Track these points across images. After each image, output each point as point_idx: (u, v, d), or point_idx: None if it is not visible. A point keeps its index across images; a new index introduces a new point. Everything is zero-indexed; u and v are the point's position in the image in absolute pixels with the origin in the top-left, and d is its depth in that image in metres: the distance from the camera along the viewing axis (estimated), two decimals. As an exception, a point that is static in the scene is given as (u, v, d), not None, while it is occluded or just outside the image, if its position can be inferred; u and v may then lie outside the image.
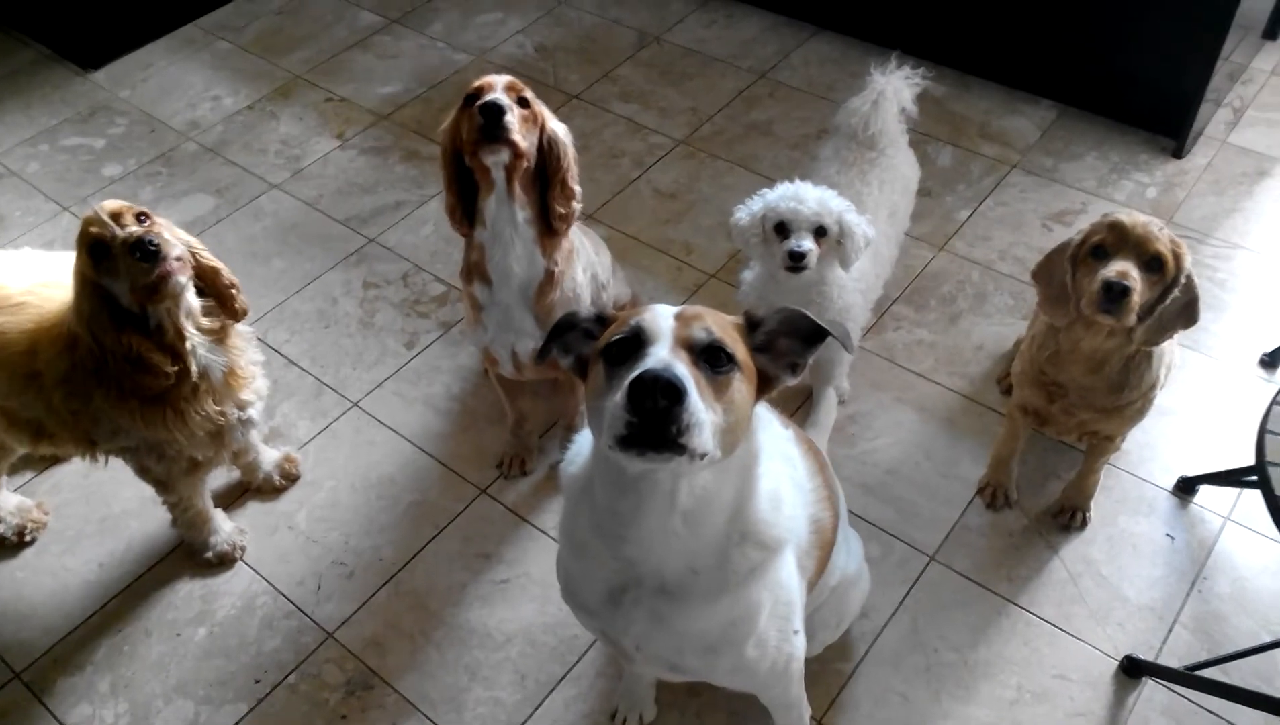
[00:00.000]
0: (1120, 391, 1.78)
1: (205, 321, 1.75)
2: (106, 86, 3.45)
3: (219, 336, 1.79)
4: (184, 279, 1.66)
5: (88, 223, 1.61)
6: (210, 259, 1.76)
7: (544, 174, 1.81)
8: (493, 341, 1.96)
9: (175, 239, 1.67)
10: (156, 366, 1.67)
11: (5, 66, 3.56)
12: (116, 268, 1.61)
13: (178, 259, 1.63)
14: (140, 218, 1.64)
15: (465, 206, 1.83)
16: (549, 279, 1.87)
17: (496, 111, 1.66)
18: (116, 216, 1.61)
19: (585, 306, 1.96)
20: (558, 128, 1.81)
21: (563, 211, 1.82)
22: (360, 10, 3.75)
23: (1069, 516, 2.08)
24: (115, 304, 1.65)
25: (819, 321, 1.16)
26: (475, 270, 1.88)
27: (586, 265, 2.00)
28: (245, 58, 3.55)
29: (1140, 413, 1.84)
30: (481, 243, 1.84)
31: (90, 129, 3.28)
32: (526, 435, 2.25)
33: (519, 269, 1.85)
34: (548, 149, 1.79)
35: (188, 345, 1.71)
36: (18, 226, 2.93)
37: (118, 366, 1.67)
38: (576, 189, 1.84)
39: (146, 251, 1.58)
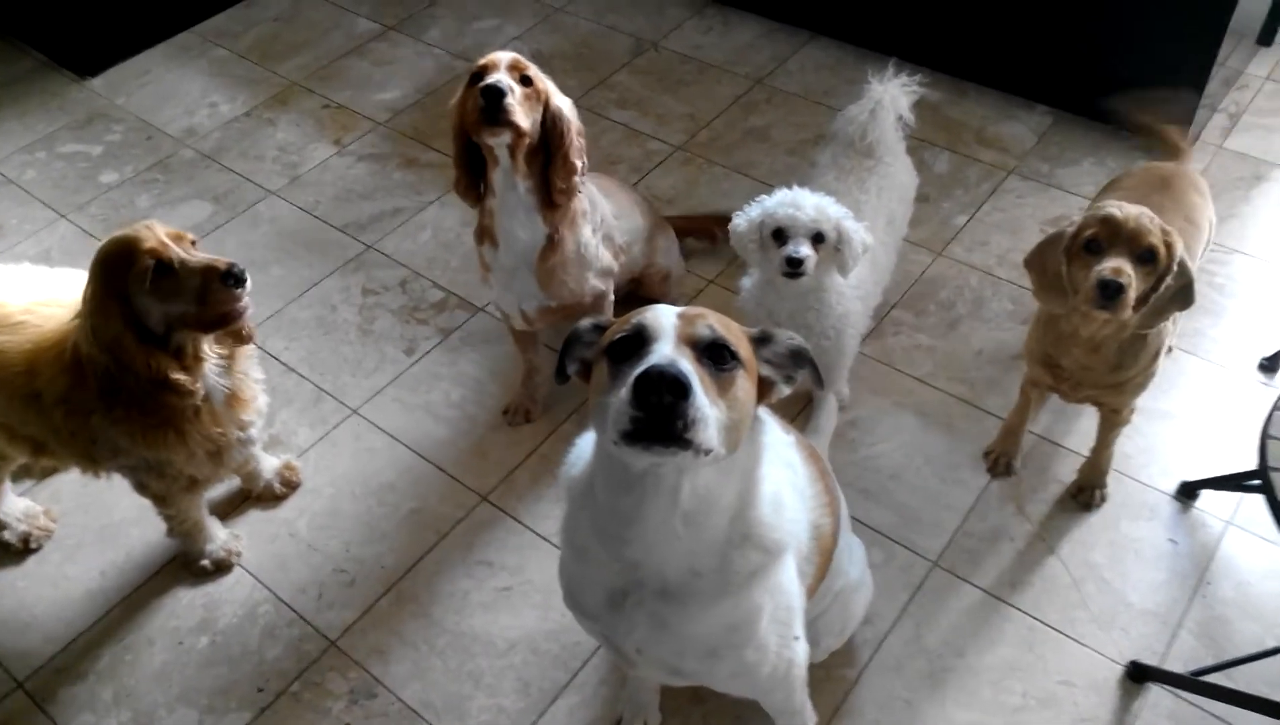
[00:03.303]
0: (1119, 370, 1.83)
1: (219, 346, 1.76)
2: (104, 94, 3.45)
3: (228, 360, 1.79)
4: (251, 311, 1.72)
5: (131, 242, 1.60)
6: None
7: (547, 147, 1.85)
8: (499, 299, 2.12)
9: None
10: (181, 386, 1.67)
11: (2, 74, 3.55)
12: (179, 288, 1.61)
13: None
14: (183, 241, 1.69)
15: (474, 177, 1.92)
16: (551, 245, 1.95)
17: (497, 95, 1.70)
18: (177, 239, 1.64)
19: (596, 263, 2.03)
20: (562, 103, 1.86)
21: (562, 186, 1.88)
22: (357, 17, 3.75)
23: (1088, 494, 2.11)
24: (138, 325, 1.64)
25: (821, 372, 1.22)
26: (485, 232, 2.00)
27: (597, 226, 2.05)
28: (242, 65, 3.55)
29: (1141, 386, 1.88)
30: (491, 208, 1.93)
31: (87, 136, 3.27)
32: (535, 388, 2.33)
33: (523, 235, 1.94)
34: (551, 125, 1.83)
35: (203, 367, 1.71)
36: (15, 234, 2.92)
37: (139, 387, 1.66)
38: (578, 163, 1.88)
39: (240, 280, 1.63)
